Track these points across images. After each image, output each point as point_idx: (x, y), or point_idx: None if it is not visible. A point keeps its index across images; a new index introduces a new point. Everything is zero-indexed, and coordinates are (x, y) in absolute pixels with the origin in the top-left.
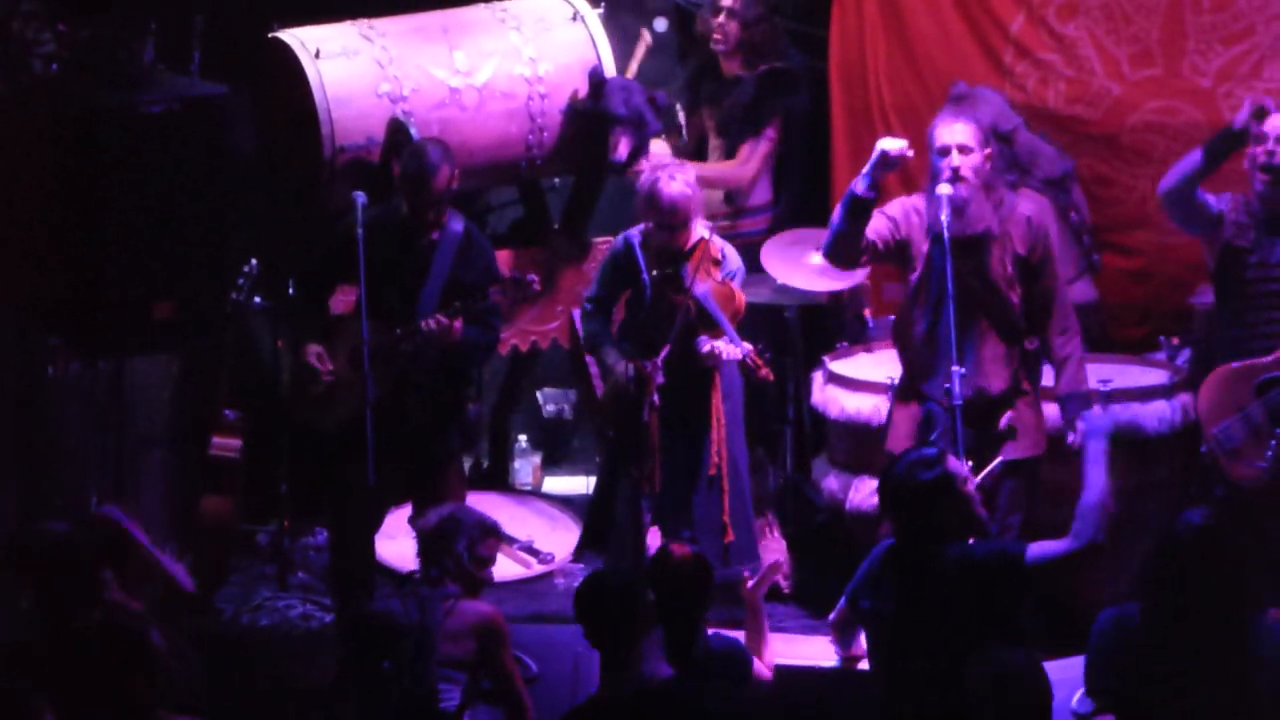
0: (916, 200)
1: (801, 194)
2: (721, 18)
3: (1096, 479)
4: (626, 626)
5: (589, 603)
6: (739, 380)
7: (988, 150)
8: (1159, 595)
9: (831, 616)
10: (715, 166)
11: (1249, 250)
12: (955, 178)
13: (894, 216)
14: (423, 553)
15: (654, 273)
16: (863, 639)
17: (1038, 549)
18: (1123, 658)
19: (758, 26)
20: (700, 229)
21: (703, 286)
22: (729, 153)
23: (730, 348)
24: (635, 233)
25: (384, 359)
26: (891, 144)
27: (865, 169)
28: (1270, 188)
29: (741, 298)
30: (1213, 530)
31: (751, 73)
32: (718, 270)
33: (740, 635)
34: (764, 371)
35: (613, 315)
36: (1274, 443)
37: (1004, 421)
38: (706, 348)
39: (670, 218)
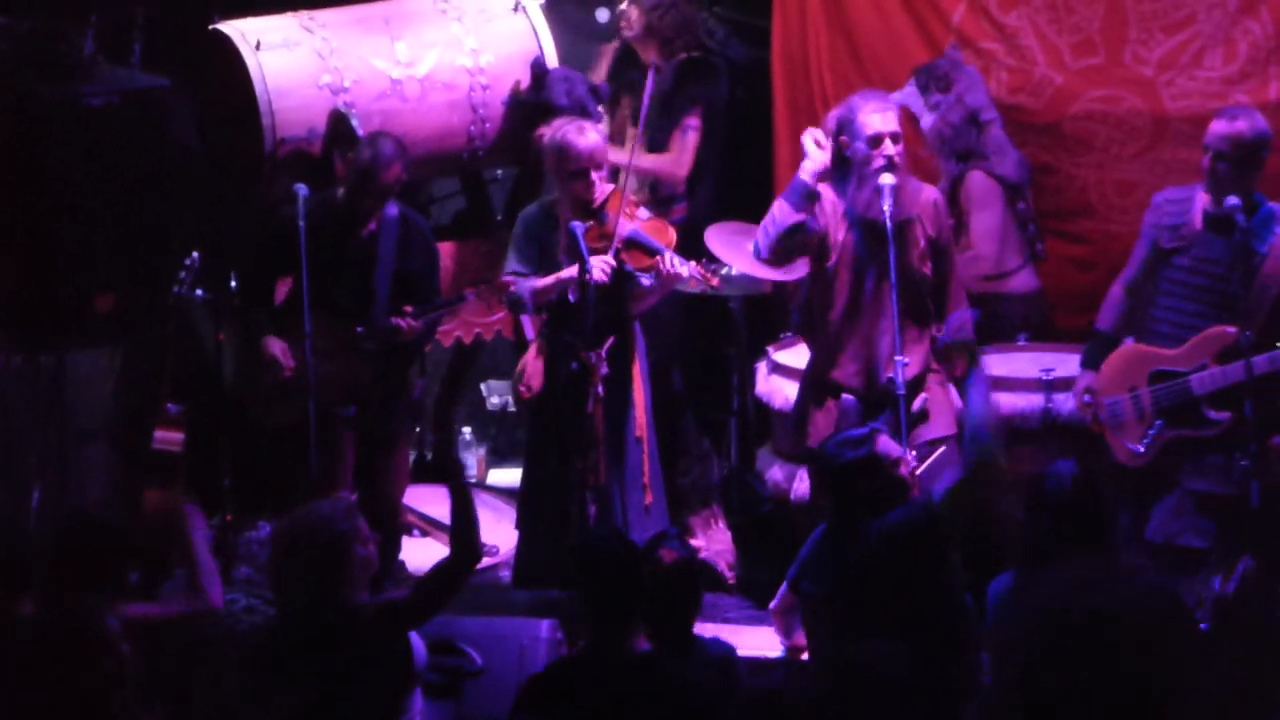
0: (826, 188)
1: (719, 186)
2: (625, 3)
3: (975, 407)
4: (628, 591)
5: (594, 561)
6: (644, 346)
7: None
8: (1033, 549)
9: (773, 604)
10: (650, 159)
11: (1181, 249)
12: (891, 166)
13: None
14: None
15: (571, 225)
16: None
17: (938, 487)
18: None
19: (659, 13)
20: (607, 185)
21: (629, 225)
22: (649, 144)
23: (680, 265)
24: (530, 210)
25: (345, 358)
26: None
27: (792, 196)
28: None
29: (671, 231)
30: (1083, 479)
31: (668, 62)
32: (638, 211)
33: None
34: (715, 281)
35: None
36: (1152, 432)
37: (916, 404)
38: (665, 268)
39: (587, 162)
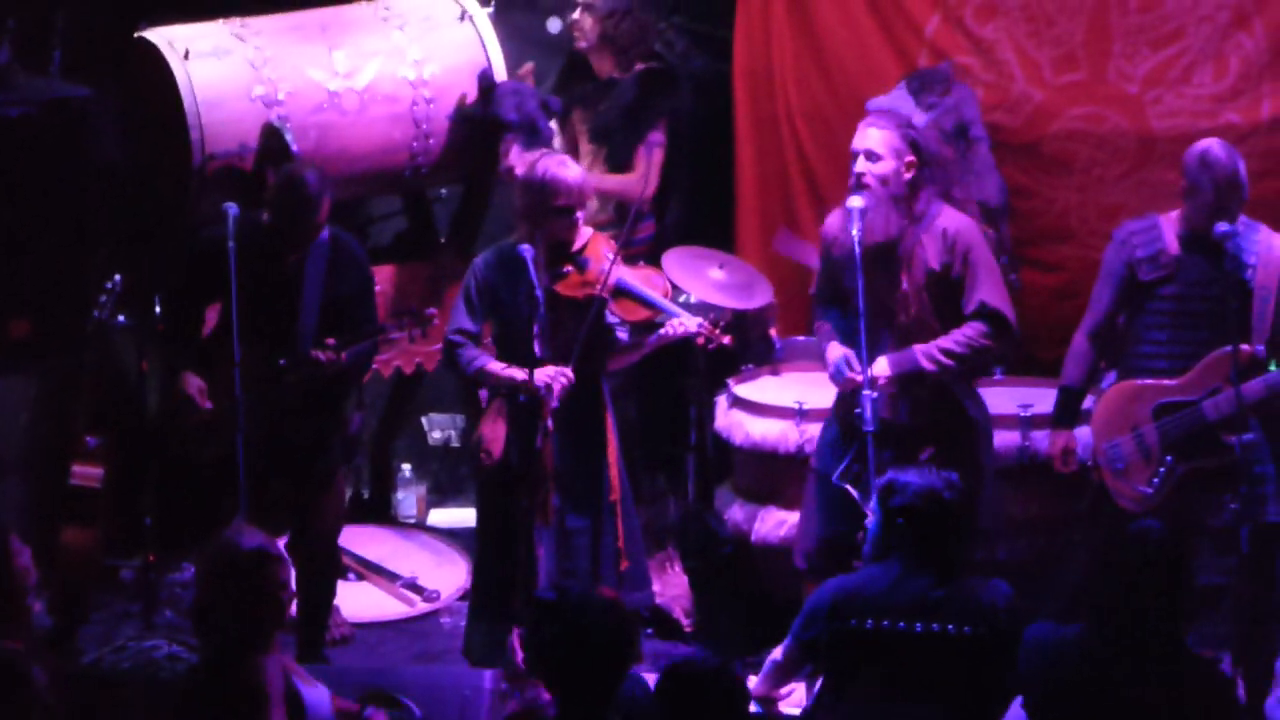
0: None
1: (688, 202)
2: (578, 12)
3: None
4: (619, 663)
5: (586, 631)
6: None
7: (909, 159)
8: (1104, 610)
9: (778, 656)
10: (614, 179)
11: (1165, 280)
12: (858, 185)
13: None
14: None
15: (520, 249)
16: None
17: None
18: (1061, 677)
19: (614, 21)
20: (586, 229)
21: (619, 273)
22: (611, 160)
23: (686, 322)
24: (483, 258)
25: (268, 390)
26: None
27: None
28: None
29: (665, 279)
30: (1167, 540)
31: (627, 74)
32: (620, 260)
33: None
34: (727, 340)
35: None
36: (1162, 470)
37: (923, 456)
38: (670, 330)
39: (576, 198)
